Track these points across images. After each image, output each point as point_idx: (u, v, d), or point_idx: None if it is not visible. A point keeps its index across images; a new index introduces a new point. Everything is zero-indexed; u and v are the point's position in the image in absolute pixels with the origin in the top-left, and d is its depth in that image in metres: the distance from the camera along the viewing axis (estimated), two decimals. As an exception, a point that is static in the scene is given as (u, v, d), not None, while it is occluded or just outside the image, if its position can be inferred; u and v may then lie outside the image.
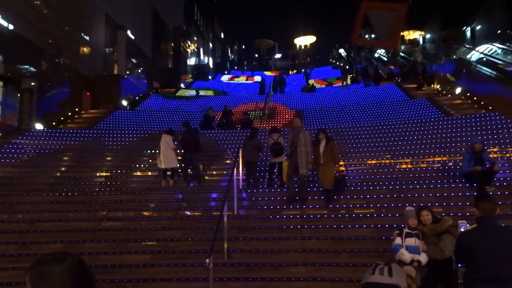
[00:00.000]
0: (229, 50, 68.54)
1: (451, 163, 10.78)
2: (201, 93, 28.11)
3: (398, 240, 5.32)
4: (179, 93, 28.52)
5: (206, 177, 11.56)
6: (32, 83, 15.56)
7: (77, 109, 19.35)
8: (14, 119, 15.20)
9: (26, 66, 15.63)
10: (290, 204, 8.83)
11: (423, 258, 5.17)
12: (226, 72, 48.27)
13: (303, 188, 8.84)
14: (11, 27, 14.50)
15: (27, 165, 12.37)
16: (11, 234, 8.32)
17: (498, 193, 8.47)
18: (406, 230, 5.39)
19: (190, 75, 39.10)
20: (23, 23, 15.20)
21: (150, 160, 12.09)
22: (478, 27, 26.87)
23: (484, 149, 9.08)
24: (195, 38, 46.30)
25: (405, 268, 4.96)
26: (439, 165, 10.96)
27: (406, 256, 5.14)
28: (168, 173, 10.89)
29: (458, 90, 19.37)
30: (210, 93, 29.05)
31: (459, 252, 3.96)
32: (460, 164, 9.60)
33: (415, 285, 5.08)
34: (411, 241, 5.27)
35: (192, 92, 28.53)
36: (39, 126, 16.07)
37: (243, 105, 22.44)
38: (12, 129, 14.69)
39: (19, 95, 15.35)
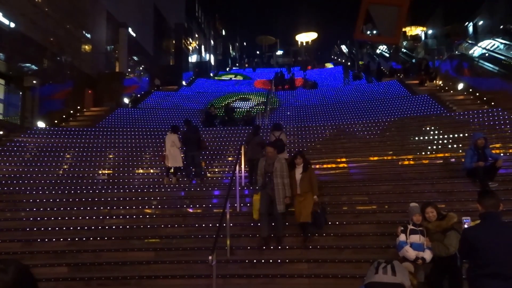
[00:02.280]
0: (230, 47, 68.42)
1: (453, 159, 10.76)
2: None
3: (402, 237, 5.31)
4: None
5: (209, 174, 11.57)
6: (34, 81, 15.59)
7: (79, 107, 19.39)
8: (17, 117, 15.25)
9: (28, 64, 15.65)
10: (264, 247, 7.31)
11: (427, 255, 5.16)
12: (227, 69, 48.22)
13: (279, 226, 7.46)
14: (13, 25, 14.51)
15: (30, 163, 12.40)
16: (15, 231, 8.34)
17: (502, 188, 8.45)
18: (410, 226, 5.37)
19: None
20: (25, 21, 15.22)
21: (157, 158, 12.09)
22: (481, 22, 26.70)
23: (487, 145, 9.04)
24: (197, 35, 46.26)
25: (403, 264, 4.96)
26: (442, 161, 10.94)
27: (411, 253, 5.13)
28: (171, 170, 10.90)
29: (461, 86, 19.30)
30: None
31: (463, 248, 3.95)
32: (463, 160, 9.57)
33: (416, 280, 5.08)
34: (415, 238, 5.26)
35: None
36: (41, 124, 16.10)
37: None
38: (14, 127, 14.72)
39: (21, 93, 15.38)
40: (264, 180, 7.54)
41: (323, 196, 9.23)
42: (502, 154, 10.53)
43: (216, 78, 39.58)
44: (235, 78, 38.88)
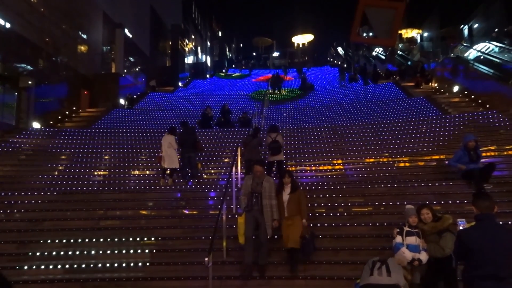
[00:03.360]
0: (227, 49, 68.42)
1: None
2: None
3: (398, 239, 5.34)
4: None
5: (205, 176, 11.56)
6: (30, 82, 15.51)
7: (75, 108, 19.33)
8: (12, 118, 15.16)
9: (23, 65, 15.58)
10: (247, 277, 6.65)
11: (423, 256, 5.19)
12: (224, 71, 48.24)
13: (265, 252, 6.86)
14: (8, 25, 14.45)
15: (25, 164, 12.34)
16: (9, 233, 8.30)
17: (496, 190, 8.51)
18: (406, 228, 5.40)
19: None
20: (21, 21, 15.16)
21: (153, 160, 12.07)
22: (476, 25, 26.87)
23: (478, 147, 9.11)
24: (193, 37, 46.23)
25: (396, 258, 4.98)
26: (437, 163, 10.98)
27: (407, 255, 5.15)
28: (167, 172, 10.89)
29: (456, 88, 19.41)
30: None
31: (458, 249, 3.97)
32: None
33: (410, 275, 5.07)
34: (411, 240, 5.29)
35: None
36: (36, 125, 16.03)
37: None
38: (9, 127, 14.64)
39: (16, 93, 15.31)
40: (250, 201, 6.93)
41: (319, 199, 9.28)
42: (497, 157, 10.65)
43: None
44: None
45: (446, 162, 9.66)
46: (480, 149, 9.45)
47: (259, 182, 6.96)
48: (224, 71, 47.61)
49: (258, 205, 6.85)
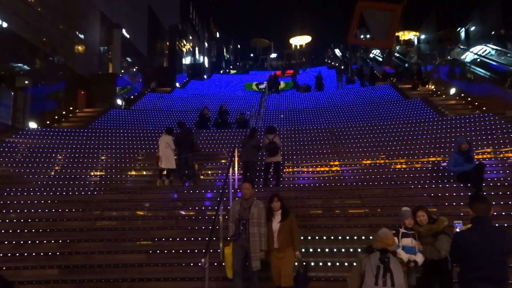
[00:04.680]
0: (224, 50, 68.44)
1: (445, 163, 10.83)
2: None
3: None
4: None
5: (202, 177, 11.55)
6: (26, 81, 15.46)
7: (71, 108, 19.27)
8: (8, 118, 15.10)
9: (20, 64, 15.53)
10: None
11: (419, 258, 5.21)
12: (221, 72, 48.27)
13: (255, 282, 6.17)
14: (5, 24, 14.40)
15: (21, 164, 12.28)
16: (5, 233, 8.26)
17: (492, 193, 8.54)
18: (402, 230, 5.42)
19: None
20: (18, 20, 15.11)
21: (150, 160, 12.04)
22: (473, 28, 27.01)
23: (471, 148, 9.18)
24: (191, 37, 46.22)
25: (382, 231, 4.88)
26: (434, 165, 11.02)
27: (403, 256, 5.16)
28: (164, 172, 10.87)
29: (453, 91, 19.49)
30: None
31: (454, 252, 3.99)
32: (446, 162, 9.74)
33: (405, 267, 5.00)
34: (407, 241, 5.30)
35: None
36: (33, 125, 15.97)
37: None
38: (5, 127, 14.58)
39: (13, 93, 15.25)
40: (237, 228, 6.11)
41: (316, 200, 9.29)
42: (492, 159, 10.70)
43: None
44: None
45: (446, 167, 9.67)
46: (476, 151, 9.52)
47: (247, 207, 6.12)
48: (227, 71, 48.22)
49: (246, 233, 6.02)
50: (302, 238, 7.65)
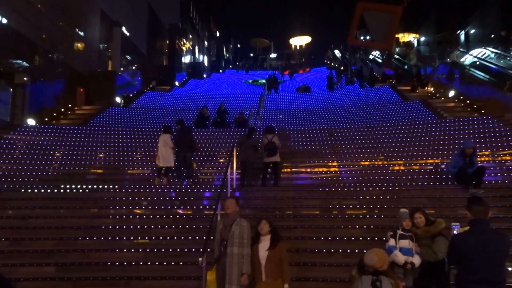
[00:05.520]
0: (224, 49, 68.43)
1: (443, 165, 10.86)
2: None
3: (392, 242, 5.35)
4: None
5: (200, 176, 11.54)
6: (25, 78, 15.42)
7: (70, 105, 19.23)
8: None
9: (19, 61, 15.48)
10: None
11: (416, 260, 5.20)
12: (221, 71, 48.29)
13: None
14: (5, 21, 14.36)
15: (19, 161, 12.26)
16: (2, 230, 8.25)
17: (490, 195, 8.55)
18: (400, 231, 5.42)
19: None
20: (17, 17, 15.06)
21: (149, 158, 12.03)
22: (472, 31, 27.04)
23: (475, 154, 9.19)
24: (191, 36, 46.20)
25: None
26: (432, 167, 11.05)
27: (400, 258, 5.17)
28: (162, 171, 10.86)
29: (452, 93, 19.52)
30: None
31: (452, 254, 3.99)
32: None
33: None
34: (405, 243, 5.30)
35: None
36: (31, 121, 15.93)
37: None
38: (4, 124, 14.55)
39: (11, 90, 15.21)
40: (219, 249, 5.46)
41: (314, 200, 9.30)
42: (491, 162, 10.72)
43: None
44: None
45: (445, 169, 9.70)
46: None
47: (228, 225, 5.39)
48: (221, 71, 47.92)
49: (226, 255, 5.29)
50: (300, 238, 7.70)
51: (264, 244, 5.33)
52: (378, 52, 39.00)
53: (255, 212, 8.86)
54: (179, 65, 38.22)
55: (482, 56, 19.10)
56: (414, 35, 38.29)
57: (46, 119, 16.98)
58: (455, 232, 4.95)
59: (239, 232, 5.29)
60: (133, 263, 7.15)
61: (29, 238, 7.92)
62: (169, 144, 10.83)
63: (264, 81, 30.53)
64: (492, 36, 23.10)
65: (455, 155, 9.28)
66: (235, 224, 5.36)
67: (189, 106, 21.97)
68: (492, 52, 18.55)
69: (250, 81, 34.77)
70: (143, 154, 12.95)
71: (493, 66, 16.88)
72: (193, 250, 7.32)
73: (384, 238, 5.86)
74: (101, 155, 13.01)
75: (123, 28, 25.23)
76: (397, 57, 35.19)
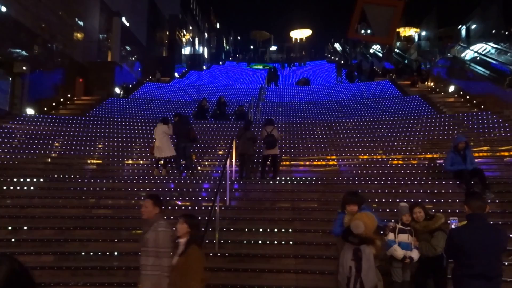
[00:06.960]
0: (224, 41, 68.12)
1: (442, 161, 10.87)
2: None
3: (391, 236, 5.37)
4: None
5: (199, 168, 11.54)
6: (24, 67, 15.35)
7: (69, 95, 19.16)
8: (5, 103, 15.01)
9: (18, 50, 15.40)
10: None
11: (415, 254, 5.23)
12: (221, 63, 48.10)
13: None
14: (4, 9, 14.26)
15: (18, 150, 12.24)
16: (1, 219, 8.24)
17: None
18: (399, 226, 5.44)
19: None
20: (16, 6, 14.96)
21: (148, 150, 12.02)
22: (473, 26, 26.95)
23: (468, 147, 9.16)
24: (191, 28, 45.95)
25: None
26: (430, 162, 11.06)
27: (399, 252, 5.19)
28: (161, 162, 10.85)
29: (452, 88, 19.49)
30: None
31: (449, 248, 4.01)
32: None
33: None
34: (404, 237, 5.32)
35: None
36: (30, 111, 15.89)
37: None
38: (2, 113, 14.51)
39: (10, 79, 15.15)
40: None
41: (312, 194, 9.30)
42: (489, 157, 10.74)
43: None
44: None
45: (443, 166, 9.67)
46: (473, 149, 9.52)
47: (145, 231, 4.40)
48: (220, 63, 47.80)
49: None
50: (297, 230, 7.71)
51: (179, 248, 4.21)
52: (378, 46, 38.85)
53: (253, 204, 8.89)
54: (179, 57, 38.05)
55: (483, 51, 19.06)
56: (415, 29, 38.19)
57: (45, 108, 16.93)
58: (452, 226, 4.98)
59: (153, 240, 4.24)
60: (132, 253, 7.14)
61: (28, 227, 7.92)
62: (169, 132, 10.77)
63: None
64: (493, 31, 23.03)
65: (449, 152, 9.27)
66: (152, 230, 4.30)
67: (189, 98, 21.93)
68: (493, 47, 18.51)
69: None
70: (142, 145, 12.93)
71: (494, 62, 16.84)
72: (191, 241, 7.33)
73: (382, 232, 5.88)
74: (100, 146, 13.00)
75: (123, 19, 25.06)
76: (397, 51, 35.08)
